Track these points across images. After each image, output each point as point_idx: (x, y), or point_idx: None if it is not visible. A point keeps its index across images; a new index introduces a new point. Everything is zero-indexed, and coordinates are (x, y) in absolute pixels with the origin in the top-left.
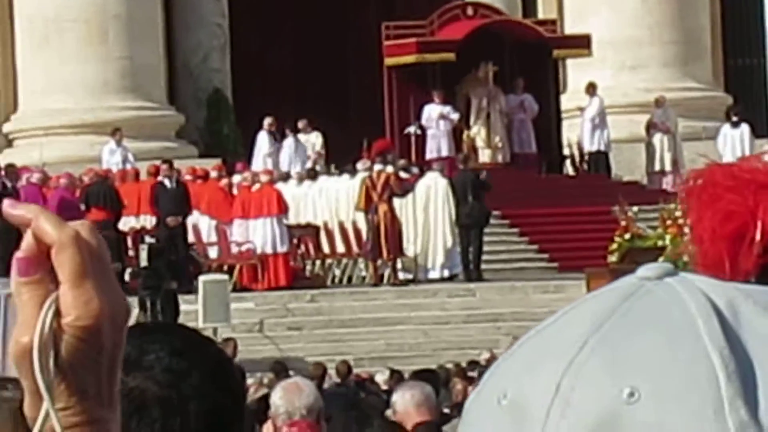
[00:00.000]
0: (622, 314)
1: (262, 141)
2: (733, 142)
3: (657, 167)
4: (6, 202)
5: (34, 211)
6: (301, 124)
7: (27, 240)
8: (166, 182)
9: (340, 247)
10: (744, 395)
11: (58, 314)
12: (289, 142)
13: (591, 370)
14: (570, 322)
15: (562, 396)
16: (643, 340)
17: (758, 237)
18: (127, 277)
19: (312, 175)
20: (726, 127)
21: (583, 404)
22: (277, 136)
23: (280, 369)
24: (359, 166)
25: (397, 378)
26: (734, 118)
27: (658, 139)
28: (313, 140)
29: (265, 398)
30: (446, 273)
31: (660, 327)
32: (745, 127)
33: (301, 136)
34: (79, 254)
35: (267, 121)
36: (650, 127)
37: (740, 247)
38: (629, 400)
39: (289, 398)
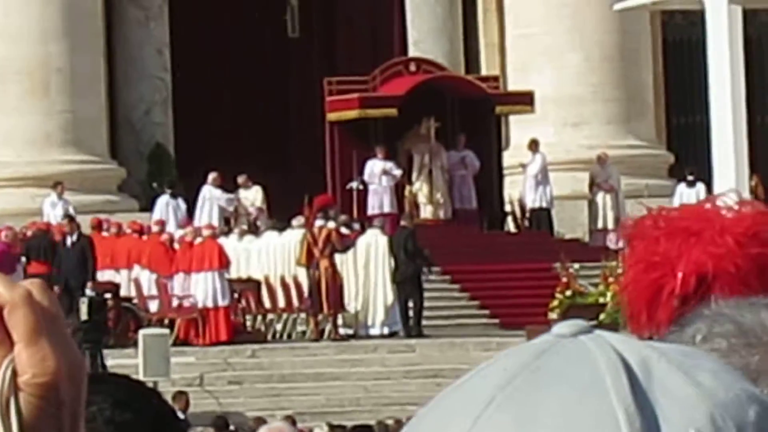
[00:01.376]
0: (532, 371)
1: (208, 195)
2: (689, 201)
3: (600, 225)
4: None
5: None
6: (240, 179)
7: None
8: (67, 239)
9: (282, 302)
10: None
11: (14, 374)
12: (202, 195)
13: (496, 426)
14: (483, 378)
15: None
16: (549, 396)
17: (677, 290)
18: None
19: (253, 230)
20: (682, 186)
21: None
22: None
23: (222, 424)
24: (299, 222)
25: None
26: (690, 177)
27: (600, 197)
28: (253, 195)
29: None
30: (386, 330)
31: (568, 384)
32: (700, 186)
33: (242, 192)
34: (32, 314)
35: (211, 176)
36: (593, 185)
37: (659, 298)
38: None
39: None
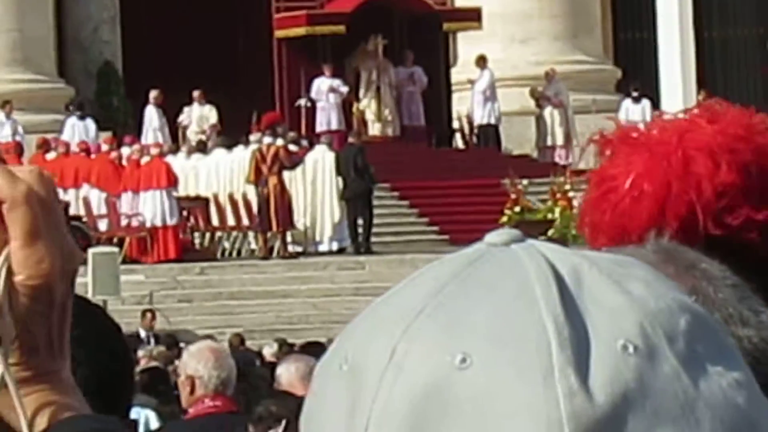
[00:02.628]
0: (462, 279)
1: (150, 114)
2: (635, 117)
3: (549, 141)
4: None
5: None
6: (195, 94)
7: None
8: None
9: (231, 220)
10: (576, 363)
11: (9, 273)
12: (149, 112)
13: (425, 335)
14: (414, 287)
15: (396, 361)
16: (479, 305)
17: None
18: None
19: (202, 147)
20: (627, 102)
21: (416, 369)
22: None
23: (171, 342)
24: (250, 138)
25: (286, 350)
26: (634, 94)
27: (548, 112)
28: (207, 113)
29: (154, 370)
30: (335, 246)
31: (497, 292)
32: (646, 102)
33: (195, 107)
34: (31, 212)
35: (153, 94)
36: (540, 100)
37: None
38: (461, 365)
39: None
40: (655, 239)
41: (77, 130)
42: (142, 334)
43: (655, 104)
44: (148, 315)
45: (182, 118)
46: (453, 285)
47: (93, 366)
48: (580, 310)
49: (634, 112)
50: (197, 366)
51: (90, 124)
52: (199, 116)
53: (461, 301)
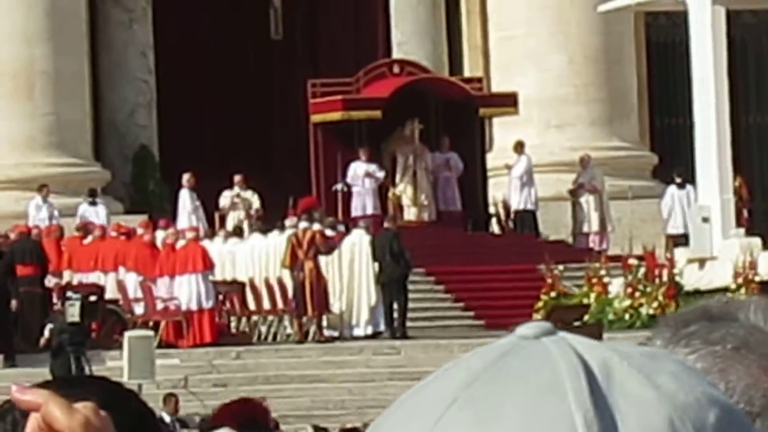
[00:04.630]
0: (493, 372)
1: (184, 197)
2: (681, 203)
3: (585, 228)
4: (14, 387)
5: (44, 396)
6: (237, 179)
7: (32, 425)
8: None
9: (266, 304)
10: None
11: None
12: (183, 195)
13: (457, 426)
14: (447, 378)
15: None
16: (509, 398)
17: None
18: (47, 333)
19: (238, 232)
20: (672, 189)
21: None
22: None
23: (207, 427)
24: (287, 223)
25: None
26: (678, 180)
27: (584, 199)
28: (249, 197)
29: None
30: (370, 330)
31: (528, 385)
32: (690, 188)
33: (238, 190)
34: None
35: (185, 177)
36: (577, 188)
37: None
38: None
39: None
40: None
41: (87, 216)
42: (167, 419)
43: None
44: (172, 399)
45: (224, 204)
46: (484, 377)
47: None
48: (610, 404)
49: (680, 197)
50: None
51: (101, 210)
52: (241, 201)
53: (492, 394)
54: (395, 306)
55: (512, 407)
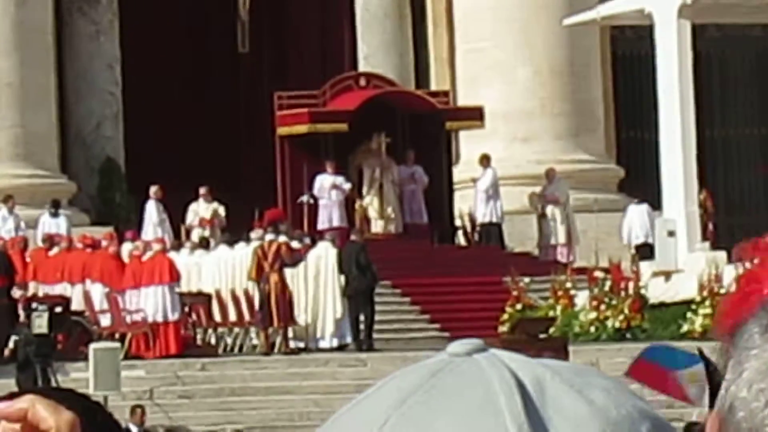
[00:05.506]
0: (425, 390)
1: (150, 209)
2: (641, 217)
3: (552, 240)
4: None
5: (29, 400)
6: (202, 191)
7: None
8: None
9: (233, 316)
10: None
11: None
12: (149, 207)
13: None
14: (378, 398)
15: None
16: (443, 416)
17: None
18: (11, 344)
19: (204, 244)
20: (632, 206)
21: None
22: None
23: None
24: (252, 235)
25: None
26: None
27: (549, 210)
28: (215, 208)
29: None
30: (335, 342)
31: (462, 403)
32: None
33: (203, 203)
34: None
35: (152, 189)
36: (540, 196)
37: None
38: None
39: None
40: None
41: (48, 228)
42: (134, 430)
43: (657, 202)
44: (138, 411)
45: (190, 219)
46: (417, 396)
47: None
48: (544, 420)
49: (639, 212)
50: None
51: (62, 222)
52: (206, 213)
53: (425, 413)
54: (362, 318)
55: (446, 425)
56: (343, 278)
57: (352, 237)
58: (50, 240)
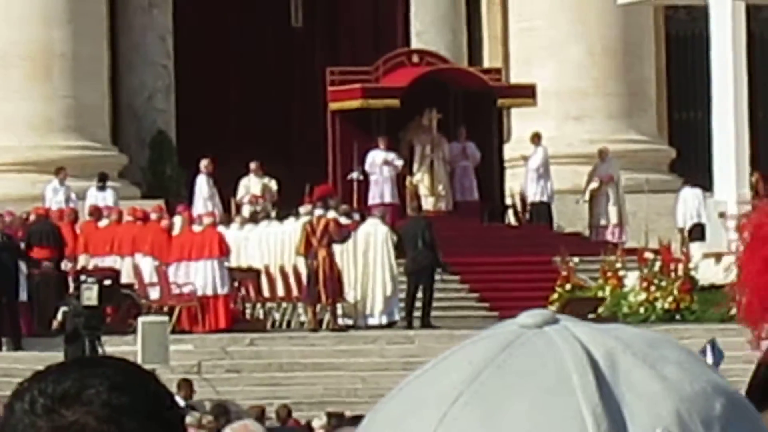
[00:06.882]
0: (498, 365)
1: (201, 183)
2: (694, 200)
3: (602, 220)
4: None
5: None
6: (253, 166)
7: None
8: None
9: (281, 291)
10: None
11: None
12: (200, 181)
13: (463, 424)
14: (447, 370)
15: None
16: (516, 395)
17: None
18: (59, 316)
19: (255, 218)
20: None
21: None
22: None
23: (220, 411)
24: (301, 210)
25: (335, 422)
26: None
27: (601, 191)
28: (267, 184)
29: None
30: (384, 319)
31: (535, 382)
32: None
33: (254, 179)
34: None
35: (203, 163)
36: (597, 186)
37: None
38: None
39: None
40: None
41: (95, 200)
42: (182, 403)
43: (708, 184)
44: (186, 384)
45: (241, 194)
46: (488, 372)
47: None
48: (617, 398)
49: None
50: None
51: (109, 195)
52: (257, 188)
53: (498, 391)
54: (419, 294)
55: (519, 404)
56: (393, 256)
57: (410, 213)
58: (96, 212)
